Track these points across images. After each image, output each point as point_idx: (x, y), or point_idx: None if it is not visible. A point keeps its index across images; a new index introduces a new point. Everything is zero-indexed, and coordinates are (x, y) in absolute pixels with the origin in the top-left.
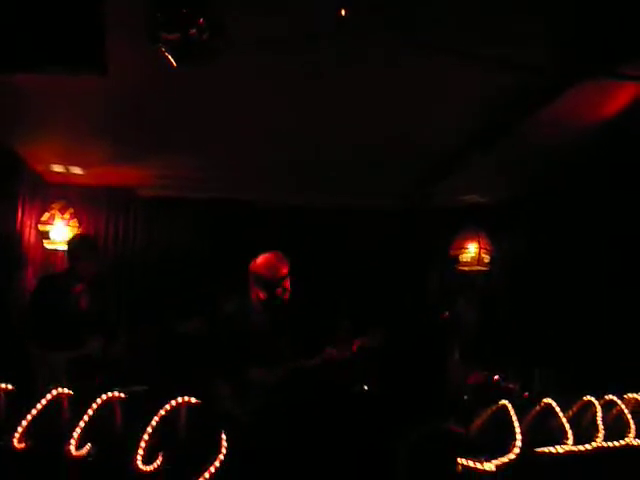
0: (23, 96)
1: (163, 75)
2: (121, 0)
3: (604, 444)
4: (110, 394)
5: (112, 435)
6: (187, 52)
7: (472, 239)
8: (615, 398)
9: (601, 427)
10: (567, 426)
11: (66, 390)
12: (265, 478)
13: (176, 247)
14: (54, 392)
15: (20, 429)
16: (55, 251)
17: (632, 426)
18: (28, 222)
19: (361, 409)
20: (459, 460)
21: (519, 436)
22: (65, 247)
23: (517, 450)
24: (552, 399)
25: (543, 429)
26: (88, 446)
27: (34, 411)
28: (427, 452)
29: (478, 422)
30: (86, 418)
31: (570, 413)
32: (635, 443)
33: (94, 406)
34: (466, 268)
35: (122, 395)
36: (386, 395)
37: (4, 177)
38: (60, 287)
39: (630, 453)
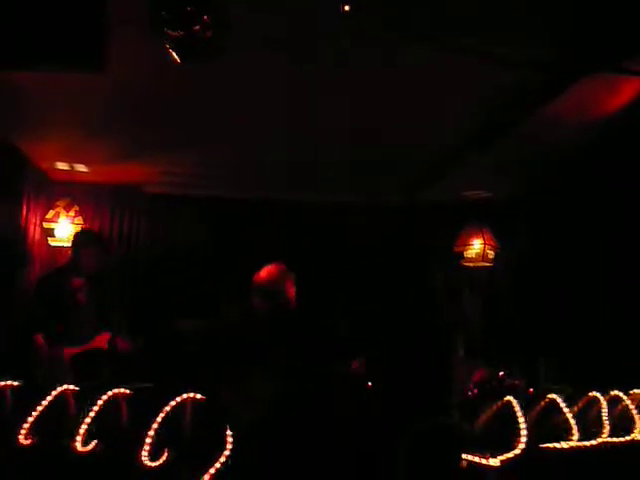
0: (27, 94)
1: (167, 72)
2: None
3: (609, 440)
4: (116, 390)
5: (118, 431)
6: (191, 49)
7: (476, 235)
8: (620, 394)
9: (606, 423)
10: (572, 422)
11: (72, 386)
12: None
13: (180, 244)
14: (60, 388)
15: (26, 425)
16: (60, 248)
17: (637, 422)
18: (33, 220)
19: (365, 405)
20: (464, 456)
21: (524, 432)
22: (69, 243)
23: (522, 446)
24: (557, 394)
25: (548, 425)
26: (94, 442)
27: (40, 407)
28: (430, 447)
29: (483, 418)
30: (92, 414)
31: (575, 409)
32: None
33: (100, 402)
34: (471, 264)
35: (128, 391)
36: (390, 391)
37: (9, 175)
38: (59, 282)
39: (636, 449)
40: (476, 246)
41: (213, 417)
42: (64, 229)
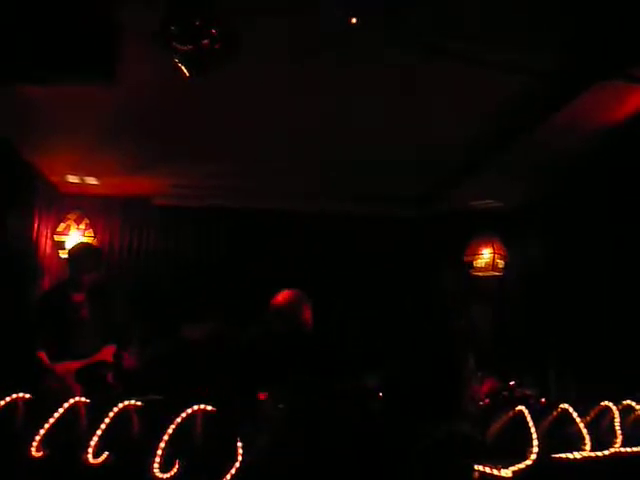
0: (38, 107)
1: (176, 85)
2: (135, 12)
3: (622, 450)
4: (127, 402)
5: (129, 443)
6: (200, 63)
7: (486, 244)
8: (633, 403)
9: (619, 433)
10: (585, 432)
11: (83, 399)
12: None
13: (191, 255)
14: (71, 400)
15: (38, 438)
16: None
17: None
18: (44, 232)
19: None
20: (475, 466)
21: (536, 442)
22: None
23: (534, 456)
24: (570, 405)
25: (560, 435)
26: (105, 454)
27: (52, 420)
28: (441, 457)
29: (495, 428)
30: (103, 426)
31: (588, 419)
32: None
33: (111, 414)
34: (480, 274)
35: (139, 403)
36: (401, 402)
37: (20, 188)
38: (61, 298)
39: None
40: (486, 255)
41: (224, 428)
42: (75, 242)
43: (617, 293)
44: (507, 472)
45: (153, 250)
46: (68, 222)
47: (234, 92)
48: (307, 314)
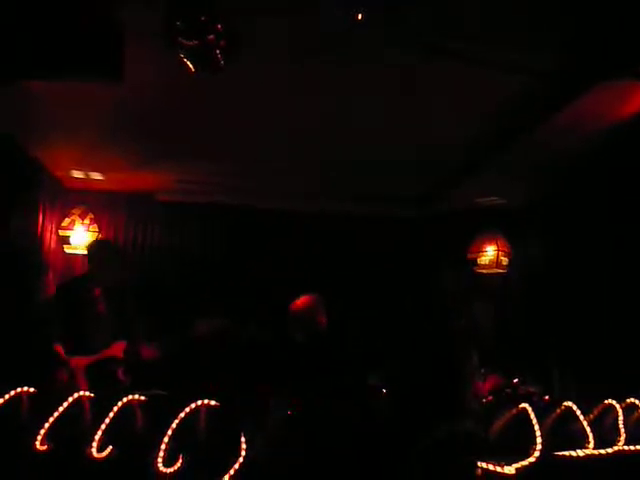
0: (43, 103)
1: (181, 82)
2: (140, 9)
3: (625, 448)
4: (131, 397)
5: (133, 437)
6: (205, 58)
7: (490, 242)
8: (636, 401)
9: (622, 431)
10: (588, 429)
11: (87, 393)
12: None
13: (193, 251)
14: (75, 395)
15: (42, 431)
16: (75, 256)
17: None
18: (49, 227)
19: (378, 414)
20: (479, 463)
21: (539, 439)
22: (84, 251)
23: (537, 453)
24: (573, 402)
25: (564, 432)
26: (109, 448)
27: (56, 414)
28: (445, 455)
29: (498, 425)
30: (107, 421)
31: (591, 416)
32: None
33: (115, 409)
34: (484, 271)
35: (143, 398)
36: (405, 399)
37: (25, 183)
38: (79, 291)
39: None
40: (490, 253)
41: (228, 423)
42: (79, 237)
43: (618, 292)
44: (510, 469)
45: (157, 245)
46: (73, 217)
47: (234, 92)
48: (323, 319)
